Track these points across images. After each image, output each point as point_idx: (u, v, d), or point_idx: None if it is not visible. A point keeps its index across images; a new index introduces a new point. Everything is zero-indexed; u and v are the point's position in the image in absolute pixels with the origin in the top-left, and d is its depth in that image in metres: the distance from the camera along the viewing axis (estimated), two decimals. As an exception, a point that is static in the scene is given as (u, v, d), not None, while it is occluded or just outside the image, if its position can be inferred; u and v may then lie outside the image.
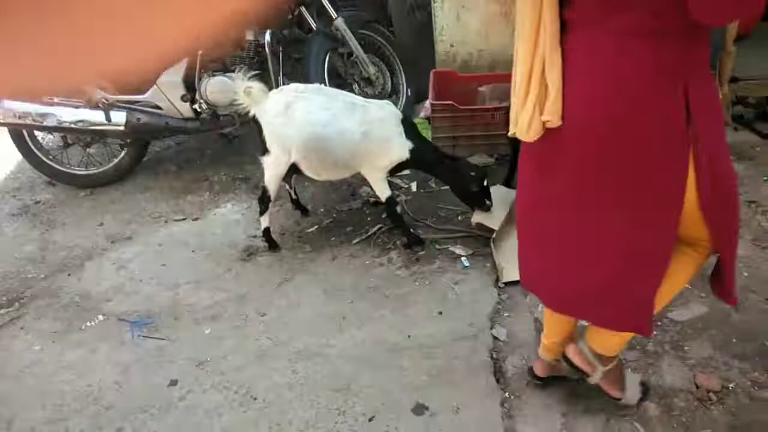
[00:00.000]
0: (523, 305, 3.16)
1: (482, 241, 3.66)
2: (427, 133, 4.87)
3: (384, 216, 4.00)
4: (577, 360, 2.34)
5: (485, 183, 3.42)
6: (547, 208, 1.94)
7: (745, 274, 3.22)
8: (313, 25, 4.61)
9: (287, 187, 4.03)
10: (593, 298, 2.01)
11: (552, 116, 1.76)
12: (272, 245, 3.75)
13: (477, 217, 3.53)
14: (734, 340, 2.83)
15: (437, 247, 3.67)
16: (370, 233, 3.84)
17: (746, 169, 4.12)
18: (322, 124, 3.28)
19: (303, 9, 4.62)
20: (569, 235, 1.92)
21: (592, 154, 1.80)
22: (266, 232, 3.71)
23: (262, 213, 3.64)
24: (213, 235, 4.05)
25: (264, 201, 3.60)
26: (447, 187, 4.24)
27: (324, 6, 4.53)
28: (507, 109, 4.09)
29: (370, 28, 4.77)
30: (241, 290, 3.45)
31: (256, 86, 3.34)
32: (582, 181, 1.83)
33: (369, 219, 4.04)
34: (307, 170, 3.48)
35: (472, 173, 3.40)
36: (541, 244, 2.05)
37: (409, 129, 3.43)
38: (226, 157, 5.11)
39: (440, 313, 3.13)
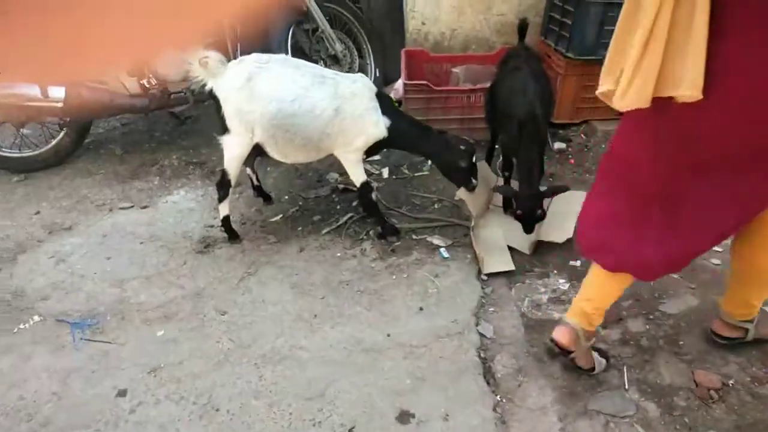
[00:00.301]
0: (507, 299, 2.94)
1: (461, 230, 3.43)
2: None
3: (355, 204, 3.72)
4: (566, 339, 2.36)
5: (473, 159, 3.17)
6: (682, 175, 1.92)
7: (717, 262, 3.11)
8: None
9: (248, 171, 3.68)
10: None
11: (691, 90, 1.62)
12: (232, 235, 3.41)
13: (461, 194, 3.27)
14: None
15: (414, 237, 3.41)
16: (340, 223, 3.55)
17: None
18: (290, 99, 2.95)
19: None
20: (706, 199, 1.94)
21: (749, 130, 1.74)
22: (226, 221, 3.37)
23: (221, 200, 3.29)
24: (164, 224, 3.66)
25: (223, 186, 3.25)
26: (421, 173, 4.03)
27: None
28: (484, 91, 3.92)
29: (337, 2, 4.44)
30: (197, 286, 3.10)
31: (213, 56, 2.97)
32: (731, 152, 1.82)
33: (339, 207, 3.74)
34: (272, 152, 3.14)
35: (462, 147, 3.12)
36: (645, 209, 2.04)
37: (386, 104, 3.14)
38: (178, 139, 4.69)
39: (421, 308, 2.88)
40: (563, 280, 3.05)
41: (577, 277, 3.06)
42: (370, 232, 3.45)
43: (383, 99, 3.15)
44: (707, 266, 3.11)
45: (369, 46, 4.64)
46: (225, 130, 3.07)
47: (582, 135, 4.31)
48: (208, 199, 3.87)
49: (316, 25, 4.31)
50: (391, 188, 3.89)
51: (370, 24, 4.68)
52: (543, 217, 3.09)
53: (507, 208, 3.50)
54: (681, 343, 2.66)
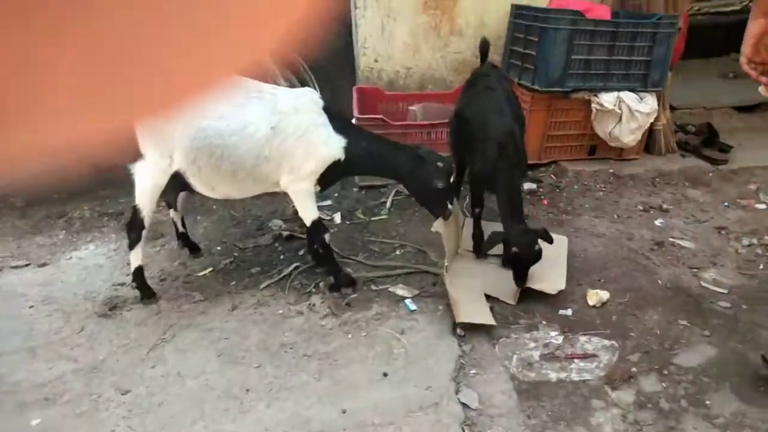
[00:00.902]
0: (492, 358, 2.37)
1: (429, 278, 2.88)
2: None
3: (302, 252, 3.13)
4: None
5: (451, 179, 2.67)
6: None
7: (745, 306, 2.67)
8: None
9: (172, 215, 3.06)
10: None
11: None
12: (146, 293, 2.75)
13: (438, 226, 2.72)
14: (762, 389, 2.20)
15: (373, 287, 2.83)
16: (284, 274, 2.94)
17: (703, 195, 3.73)
18: (216, 116, 2.42)
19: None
20: None
21: None
22: (138, 273, 2.71)
23: (131, 245, 2.65)
24: (64, 284, 2.96)
25: (134, 227, 2.62)
26: (379, 217, 3.51)
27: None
28: (445, 126, 3.52)
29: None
30: (95, 358, 2.39)
31: None
32: None
33: (282, 257, 3.14)
34: (195, 182, 2.56)
35: (439, 163, 2.59)
36: None
37: (338, 120, 2.62)
38: (96, 188, 4.02)
39: (385, 374, 2.26)
40: (555, 333, 2.52)
41: (570, 328, 2.54)
42: (320, 284, 2.85)
43: (335, 114, 2.63)
44: (716, 310, 2.65)
45: (315, 84, 4.21)
46: (137, 156, 2.48)
47: (552, 176, 3.93)
48: (122, 254, 3.20)
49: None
50: (345, 235, 3.33)
51: (314, 59, 4.28)
52: (539, 257, 2.59)
53: (486, 250, 2.98)
54: (708, 402, 2.14)
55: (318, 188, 2.67)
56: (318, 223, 2.68)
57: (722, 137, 4.25)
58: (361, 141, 2.61)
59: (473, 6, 4.14)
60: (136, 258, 2.69)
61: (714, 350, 2.41)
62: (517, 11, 3.96)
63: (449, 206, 2.63)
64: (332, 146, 2.54)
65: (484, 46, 3.13)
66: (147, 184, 2.51)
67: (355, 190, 3.82)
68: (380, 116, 3.59)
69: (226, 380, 2.25)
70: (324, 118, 2.54)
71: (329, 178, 2.66)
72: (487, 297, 2.69)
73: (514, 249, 2.56)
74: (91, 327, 2.60)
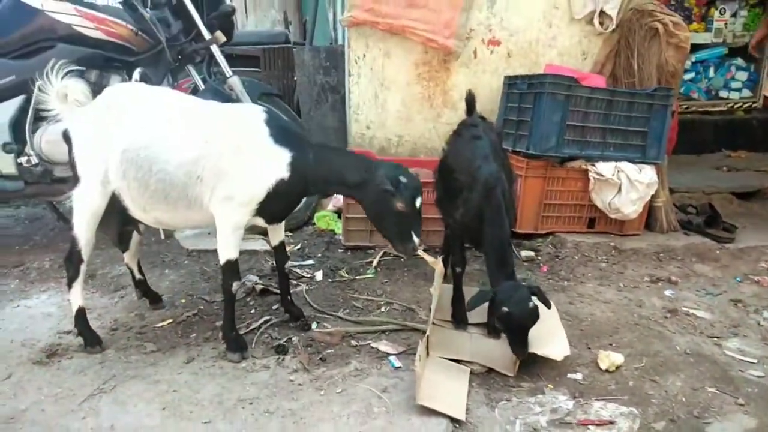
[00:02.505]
0: (491, 422, 1.99)
1: (418, 335, 2.54)
2: (336, 226, 3.92)
3: (276, 307, 2.80)
4: None
5: (418, 203, 2.26)
6: None
7: (760, 373, 2.33)
8: (200, 84, 3.75)
9: (126, 260, 2.76)
10: None
11: None
12: (90, 338, 2.39)
13: (436, 285, 2.37)
14: (819, 465, 1.81)
15: (353, 343, 2.48)
16: (252, 327, 2.59)
17: (713, 271, 3.48)
18: (147, 126, 2.20)
19: (190, 67, 3.80)
20: None
21: None
22: (79, 315, 2.40)
23: (69, 283, 2.37)
24: (1, 331, 2.59)
25: (72, 261, 2.35)
26: (364, 276, 3.21)
27: (218, 63, 3.73)
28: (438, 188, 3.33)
29: (270, 100, 3.98)
30: (15, 408, 2.00)
31: (75, 87, 2.30)
32: None
33: (253, 312, 2.80)
34: (128, 203, 2.29)
35: (402, 178, 2.20)
36: None
37: (280, 130, 2.26)
38: (60, 241, 3.72)
39: (361, 435, 1.87)
40: (564, 397, 2.14)
41: (581, 393, 2.17)
42: (293, 339, 2.50)
43: (277, 124, 2.27)
44: (748, 378, 2.30)
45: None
46: (76, 181, 2.27)
47: (550, 245, 3.70)
48: (76, 304, 2.86)
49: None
50: (325, 291, 3.01)
51: (305, 128, 4.22)
52: (536, 316, 2.25)
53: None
54: (757, 481, 1.74)
55: (262, 222, 2.36)
56: (233, 266, 2.30)
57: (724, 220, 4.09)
58: (308, 153, 2.26)
59: (466, 80, 4.16)
60: (75, 298, 2.38)
61: (753, 421, 2.03)
62: (511, 81, 3.96)
63: (414, 239, 2.23)
64: (273, 164, 2.21)
65: (470, 98, 3.04)
66: (83, 208, 2.29)
67: (340, 250, 3.55)
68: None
69: (166, 436, 1.85)
70: (264, 132, 2.22)
71: (276, 205, 2.28)
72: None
73: (505, 309, 2.18)
74: (20, 374, 2.23)
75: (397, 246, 2.28)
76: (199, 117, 2.25)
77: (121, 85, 2.41)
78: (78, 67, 3.18)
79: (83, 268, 2.37)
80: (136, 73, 3.28)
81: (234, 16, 3.99)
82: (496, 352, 2.38)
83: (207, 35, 3.66)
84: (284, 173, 2.22)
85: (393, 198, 2.16)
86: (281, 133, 2.24)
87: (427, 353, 2.30)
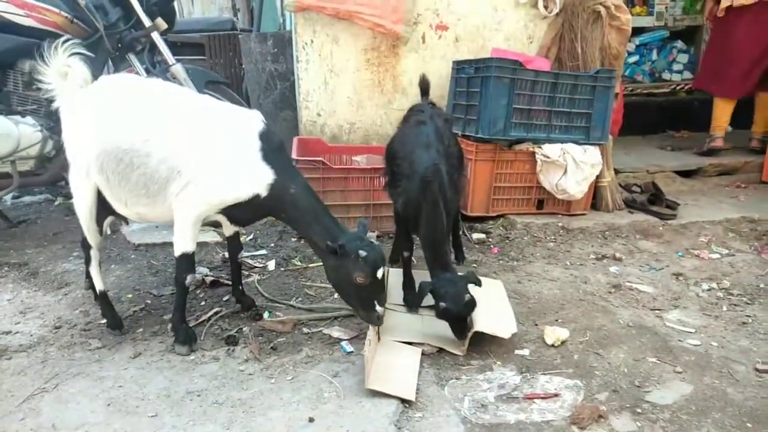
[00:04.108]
0: (440, 400, 2.02)
1: (370, 320, 2.55)
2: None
3: (226, 298, 2.77)
4: None
5: (380, 274, 2.13)
6: None
7: (714, 344, 2.44)
8: (142, 74, 3.63)
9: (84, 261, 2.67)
10: None
11: None
12: (110, 321, 2.48)
13: (369, 348, 2.17)
14: (749, 425, 1.92)
15: (305, 330, 2.47)
16: (201, 320, 2.55)
17: (656, 246, 3.61)
18: (129, 119, 2.16)
19: (131, 56, 3.67)
20: None
21: None
22: (99, 298, 2.52)
23: (86, 267, 2.60)
24: (-66, 334, 2.47)
25: (84, 246, 2.53)
26: (318, 263, 3.19)
27: (161, 51, 3.63)
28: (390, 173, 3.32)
29: (216, 89, 3.90)
30: (-54, 412, 1.90)
31: (77, 67, 2.24)
32: None
33: (203, 304, 2.75)
34: (109, 197, 2.26)
35: (362, 252, 2.08)
36: None
37: (272, 150, 2.22)
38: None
39: (311, 419, 1.87)
40: (512, 373, 2.20)
41: (528, 368, 2.22)
42: (244, 329, 2.47)
43: (271, 142, 2.24)
44: (686, 347, 2.41)
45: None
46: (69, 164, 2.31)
47: (501, 227, 3.76)
48: (16, 304, 2.76)
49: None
50: (278, 281, 2.99)
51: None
52: (472, 307, 2.30)
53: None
54: (691, 442, 1.83)
55: (227, 222, 2.36)
56: (188, 258, 2.26)
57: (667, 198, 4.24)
58: (290, 185, 2.21)
59: (415, 65, 4.16)
60: (95, 281, 2.50)
61: (689, 387, 2.13)
62: (459, 66, 3.98)
63: (378, 308, 2.16)
64: (253, 179, 2.17)
65: (424, 83, 3.06)
66: (76, 193, 2.33)
67: (293, 239, 3.52)
68: (320, 158, 3.39)
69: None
70: (255, 145, 2.18)
71: (246, 214, 2.29)
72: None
73: (443, 304, 2.24)
74: (-48, 378, 2.12)
75: (361, 314, 2.24)
76: (188, 112, 2.20)
77: (113, 76, 2.36)
78: None
79: (93, 253, 2.46)
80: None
81: (175, 2, 3.88)
82: (447, 333, 2.41)
83: (147, 22, 3.56)
84: (263, 191, 2.19)
85: (352, 272, 2.10)
86: (271, 152, 2.20)
87: (378, 338, 2.32)
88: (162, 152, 2.12)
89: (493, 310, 2.50)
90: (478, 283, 2.35)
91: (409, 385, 2.05)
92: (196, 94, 2.40)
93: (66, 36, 3.31)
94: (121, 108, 2.17)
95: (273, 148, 2.23)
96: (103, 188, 2.23)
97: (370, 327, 2.20)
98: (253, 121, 2.26)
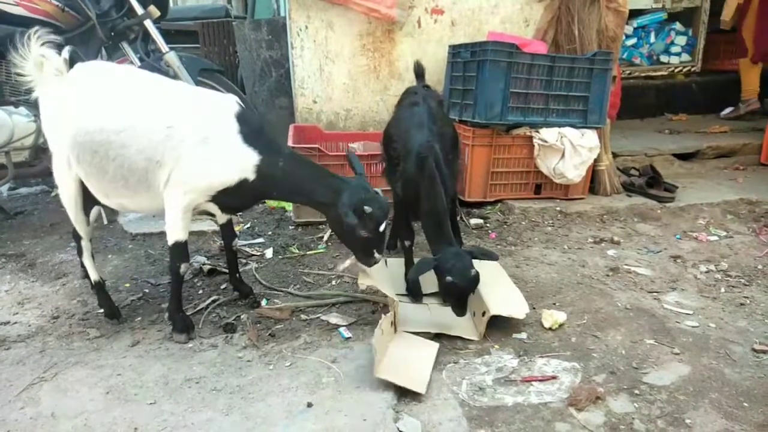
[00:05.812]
0: (438, 384, 2.02)
1: (368, 306, 2.56)
2: (287, 203, 3.87)
3: (224, 287, 2.77)
4: None
5: (382, 228, 2.20)
6: None
7: (712, 325, 2.44)
8: (136, 62, 3.60)
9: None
10: None
11: None
12: (107, 310, 2.48)
13: (363, 279, 2.31)
14: (746, 405, 1.92)
15: (303, 317, 2.47)
16: (199, 308, 2.55)
17: (654, 229, 3.61)
18: (103, 109, 2.12)
19: (124, 45, 3.64)
20: None
21: None
22: (95, 287, 2.51)
23: (79, 258, 2.55)
24: (-67, 325, 2.47)
25: (75, 236, 2.50)
26: (315, 251, 3.20)
27: (154, 39, 3.60)
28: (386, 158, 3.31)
29: (211, 76, 3.86)
30: (-55, 402, 1.91)
31: (52, 57, 2.20)
32: None
33: (201, 292, 2.75)
34: (90, 187, 2.24)
35: (366, 207, 2.12)
36: None
37: (253, 130, 2.19)
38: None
39: (309, 404, 1.88)
40: (509, 356, 2.20)
41: (526, 351, 2.23)
42: (242, 317, 2.47)
43: (251, 123, 2.20)
44: (683, 329, 2.41)
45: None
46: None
47: (499, 213, 3.76)
48: (14, 294, 2.76)
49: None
50: (275, 268, 2.99)
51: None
52: (477, 281, 2.29)
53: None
54: (688, 421, 1.83)
55: (216, 209, 2.32)
56: (181, 247, 2.25)
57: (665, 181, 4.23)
58: (278, 160, 2.19)
59: (411, 50, 4.13)
60: (89, 271, 2.50)
61: (687, 368, 2.13)
62: (455, 51, 3.95)
63: (376, 255, 2.22)
64: (238, 163, 2.14)
65: (418, 68, 3.04)
66: (60, 183, 2.32)
67: (291, 227, 3.51)
68: (316, 145, 3.38)
69: (109, 419, 1.81)
70: (233, 127, 2.14)
71: (236, 199, 2.24)
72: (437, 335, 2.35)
73: (449, 278, 2.21)
74: (-50, 369, 2.13)
75: (360, 258, 2.26)
76: (163, 100, 2.16)
77: (88, 63, 2.30)
78: None
79: (84, 244, 2.47)
80: (65, 53, 3.12)
81: (168, -11, 3.84)
82: (456, 320, 2.38)
83: (140, 10, 3.52)
84: (249, 175, 2.15)
85: (356, 228, 2.12)
86: (252, 133, 2.16)
87: (395, 329, 2.30)
88: (137, 143, 2.08)
89: (500, 291, 2.50)
90: (486, 257, 2.34)
91: (422, 378, 2.02)
92: (170, 81, 2.35)
93: (56, 24, 3.33)
94: (93, 98, 2.14)
95: (253, 130, 2.19)
96: (84, 179, 2.22)
97: (384, 317, 2.17)
98: (229, 103, 2.21)
